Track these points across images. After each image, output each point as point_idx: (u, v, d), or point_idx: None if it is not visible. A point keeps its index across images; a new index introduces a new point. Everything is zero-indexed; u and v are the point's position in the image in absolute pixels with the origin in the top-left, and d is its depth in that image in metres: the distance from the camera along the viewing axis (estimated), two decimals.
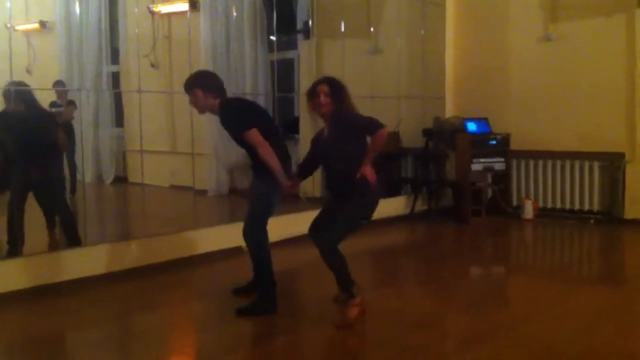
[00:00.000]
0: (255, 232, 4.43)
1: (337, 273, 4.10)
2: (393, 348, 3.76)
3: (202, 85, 4.36)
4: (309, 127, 4.68)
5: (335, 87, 4.14)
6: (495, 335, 4.01)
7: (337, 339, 4.01)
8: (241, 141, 4.37)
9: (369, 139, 4.06)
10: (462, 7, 8.47)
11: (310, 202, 7.62)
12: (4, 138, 5.38)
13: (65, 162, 8.66)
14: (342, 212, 4.09)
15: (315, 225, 4.29)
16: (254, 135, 4.25)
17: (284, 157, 4.45)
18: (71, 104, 8.68)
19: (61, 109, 8.62)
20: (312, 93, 4.14)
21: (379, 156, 4.12)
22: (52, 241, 5.67)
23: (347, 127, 4.09)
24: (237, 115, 4.34)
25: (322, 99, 4.09)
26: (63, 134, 5.80)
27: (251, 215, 4.45)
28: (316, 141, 4.35)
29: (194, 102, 4.41)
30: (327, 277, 4.12)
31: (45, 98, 8.51)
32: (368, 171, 3.99)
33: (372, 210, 4.20)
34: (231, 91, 8.45)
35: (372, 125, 4.02)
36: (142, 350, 3.93)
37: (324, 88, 4.12)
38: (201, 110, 4.47)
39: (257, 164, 4.42)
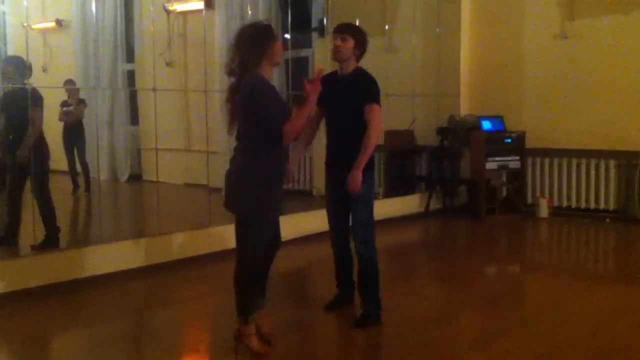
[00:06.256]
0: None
1: None
2: (408, 343, 3.75)
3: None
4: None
5: None
6: (513, 331, 4.00)
7: (350, 335, 4.01)
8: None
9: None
10: (478, 4, 8.42)
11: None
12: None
13: (77, 159, 8.78)
14: None
15: None
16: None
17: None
18: (81, 102, 8.74)
19: (71, 107, 8.70)
20: None
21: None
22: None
23: None
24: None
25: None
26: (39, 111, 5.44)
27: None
28: None
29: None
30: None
31: (57, 96, 8.62)
32: None
33: None
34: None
35: None
36: (156, 345, 3.96)
37: None
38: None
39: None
